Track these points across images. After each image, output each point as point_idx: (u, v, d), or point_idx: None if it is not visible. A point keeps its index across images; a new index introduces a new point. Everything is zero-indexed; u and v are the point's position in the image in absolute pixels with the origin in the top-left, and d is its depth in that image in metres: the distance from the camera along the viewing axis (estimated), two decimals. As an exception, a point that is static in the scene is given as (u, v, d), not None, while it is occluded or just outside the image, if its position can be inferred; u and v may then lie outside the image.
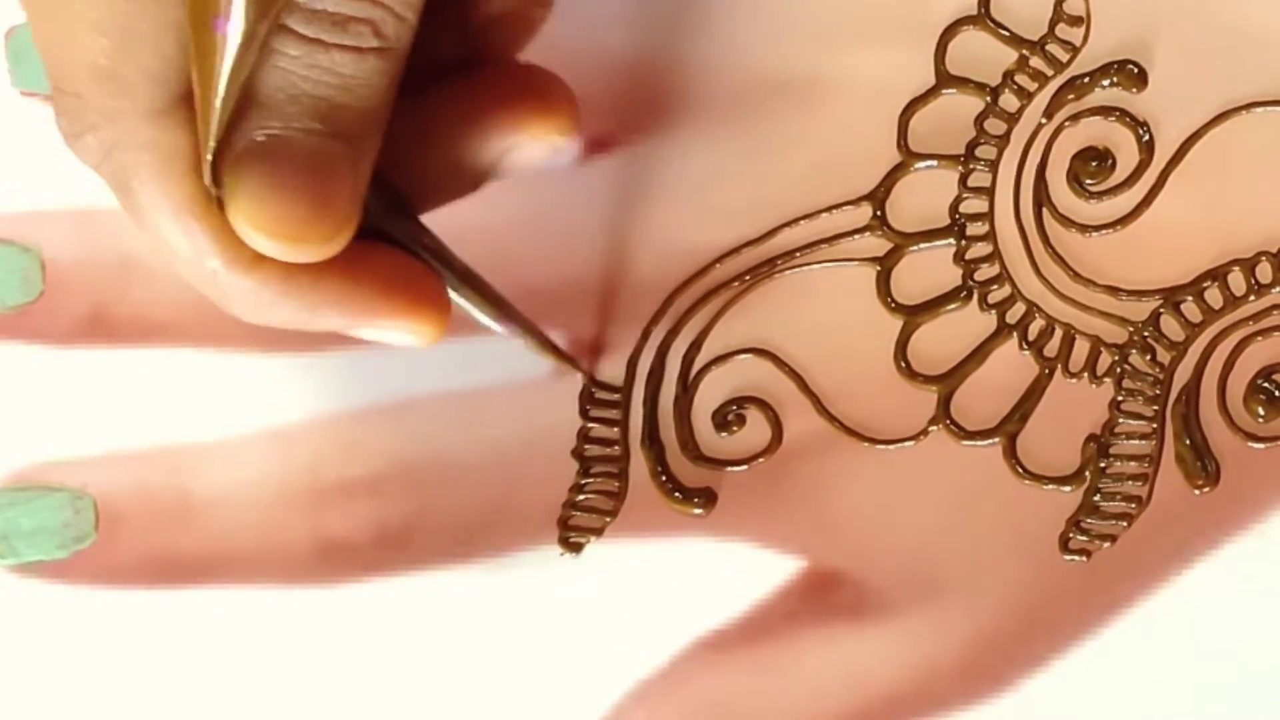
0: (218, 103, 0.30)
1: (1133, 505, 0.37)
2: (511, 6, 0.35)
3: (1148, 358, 0.37)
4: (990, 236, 0.38)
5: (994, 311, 0.38)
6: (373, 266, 0.33)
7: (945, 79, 0.39)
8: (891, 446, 0.38)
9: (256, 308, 0.32)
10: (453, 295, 0.35)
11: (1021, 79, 0.39)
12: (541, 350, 0.38)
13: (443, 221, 0.37)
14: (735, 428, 0.38)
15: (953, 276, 0.38)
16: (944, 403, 0.38)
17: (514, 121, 0.34)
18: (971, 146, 0.39)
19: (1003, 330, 0.38)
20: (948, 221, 0.39)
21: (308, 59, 0.30)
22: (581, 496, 0.38)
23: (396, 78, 0.31)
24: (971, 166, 0.39)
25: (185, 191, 0.31)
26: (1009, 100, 0.39)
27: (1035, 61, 0.39)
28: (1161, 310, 0.38)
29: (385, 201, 0.33)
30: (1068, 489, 0.37)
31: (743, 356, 0.39)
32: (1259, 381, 0.37)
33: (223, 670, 0.39)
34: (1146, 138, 0.38)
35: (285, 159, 0.30)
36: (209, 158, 0.31)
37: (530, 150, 0.35)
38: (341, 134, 0.31)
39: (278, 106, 0.30)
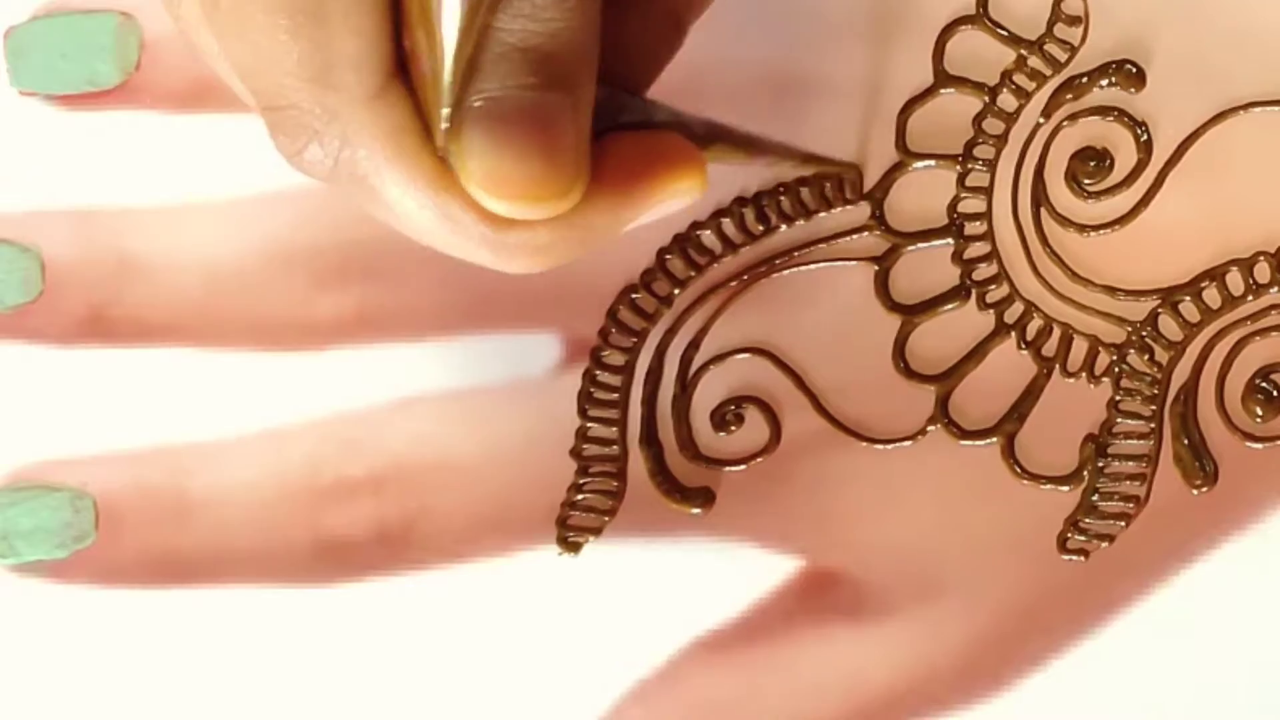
0: (448, 70, 0.29)
1: (1131, 505, 0.37)
2: None
3: (1146, 357, 0.37)
4: (988, 236, 0.38)
5: (992, 311, 0.38)
6: (622, 157, 0.31)
7: (943, 78, 0.39)
8: (889, 446, 0.38)
9: (538, 255, 0.31)
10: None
11: (1020, 78, 0.39)
12: (807, 166, 0.37)
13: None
14: (734, 427, 0.38)
15: (951, 276, 0.38)
16: (942, 402, 0.38)
17: None
18: (969, 146, 0.39)
19: (1001, 330, 0.38)
20: (946, 221, 0.39)
21: (511, 9, 0.29)
22: (580, 496, 0.38)
23: (599, 13, 0.30)
24: (969, 166, 0.39)
25: (425, 169, 0.30)
26: (1007, 100, 0.39)
27: (1033, 61, 0.39)
28: (1159, 310, 0.38)
29: (606, 93, 0.32)
30: (1066, 489, 0.37)
31: (741, 356, 0.39)
32: (1257, 381, 0.37)
33: (222, 670, 0.39)
34: (1145, 137, 0.38)
35: (506, 121, 0.29)
36: (445, 126, 0.30)
37: None
38: (557, 84, 0.30)
39: (489, 67, 0.29)
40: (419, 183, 0.30)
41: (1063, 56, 0.39)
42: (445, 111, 0.30)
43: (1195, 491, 0.37)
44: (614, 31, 0.32)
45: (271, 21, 0.29)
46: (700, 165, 0.32)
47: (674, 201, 0.32)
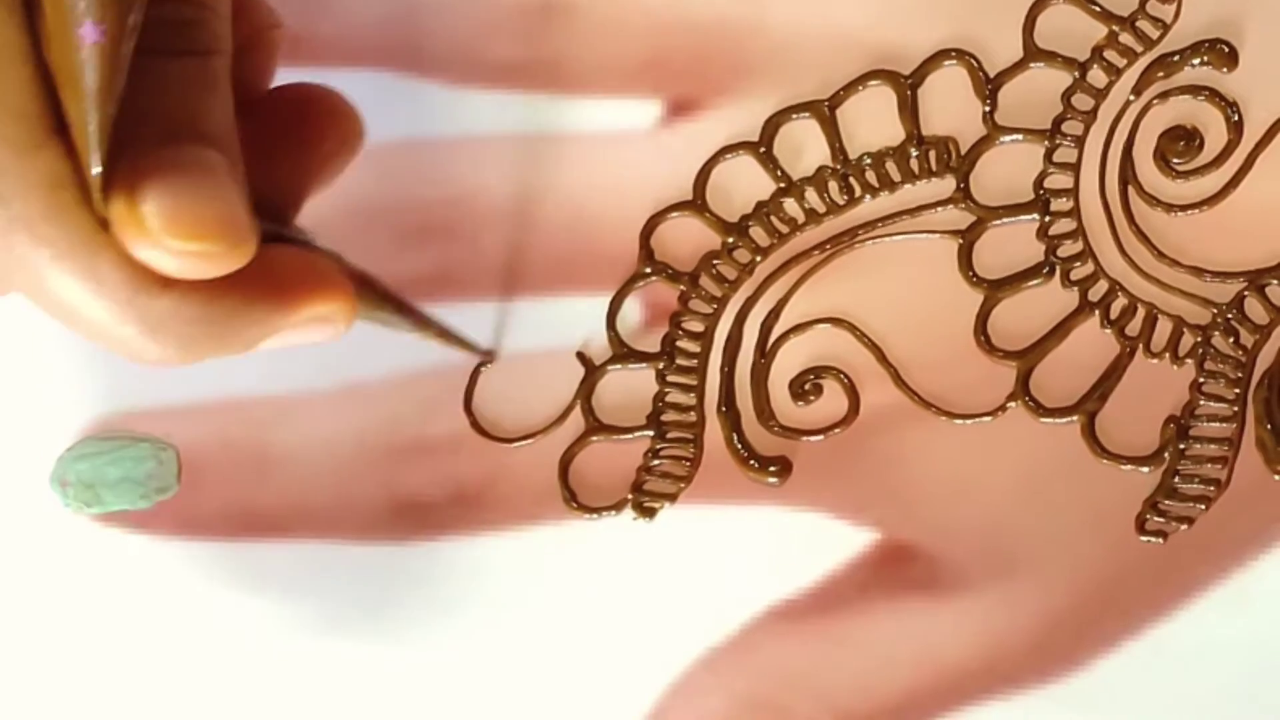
0: (96, 118, 0.29)
1: (1211, 488, 0.37)
2: (248, 37, 0.34)
3: (1230, 340, 0.37)
4: (1074, 213, 0.38)
5: (1076, 288, 0.38)
6: (276, 259, 0.32)
7: (1033, 52, 0.39)
8: (969, 421, 0.38)
9: (182, 334, 0.31)
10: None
11: (1111, 55, 0.39)
12: (445, 342, 0.38)
13: (527, 182, 0.38)
14: (812, 397, 0.38)
15: (1035, 252, 0.38)
16: (1023, 379, 0.38)
17: (316, 141, 0.34)
18: (1058, 121, 0.38)
19: (1084, 308, 0.38)
20: (1032, 196, 0.38)
21: (160, 70, 0.30)
22: (656, 462, 0.38)
23: (229, 80, 0.31)
24: (1058, 142, 0.38)
25: (82, 226, 0.29)
26: (1097, 76, 0.39)
27: (1125, 37, 0.39)
28: (1246, 293, 0.37)
29: (263, 209, 0.32)
30: (1146, 470, 0.37)
31: (821, 326, 0.38)
32: (1343, 367, 0.37)
33: (296, 624, 0.39)
34: (1236, 118, 0.38)
35: (175, 172, 0.29)
36: (96, 172, 0.29)
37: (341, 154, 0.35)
38: (211, 142, 0.30)
39: (153, 121, 0.30)
40: (74, 238, 0.29)
41: (1155, 34, 0.39)
42: (97, 171, 0.29)
43: (1277, 476, 0.37)
44: (261, 173, 0.32)
45: None
46: (348, 293, 0.32)
47: (320, 325, 0.32)
